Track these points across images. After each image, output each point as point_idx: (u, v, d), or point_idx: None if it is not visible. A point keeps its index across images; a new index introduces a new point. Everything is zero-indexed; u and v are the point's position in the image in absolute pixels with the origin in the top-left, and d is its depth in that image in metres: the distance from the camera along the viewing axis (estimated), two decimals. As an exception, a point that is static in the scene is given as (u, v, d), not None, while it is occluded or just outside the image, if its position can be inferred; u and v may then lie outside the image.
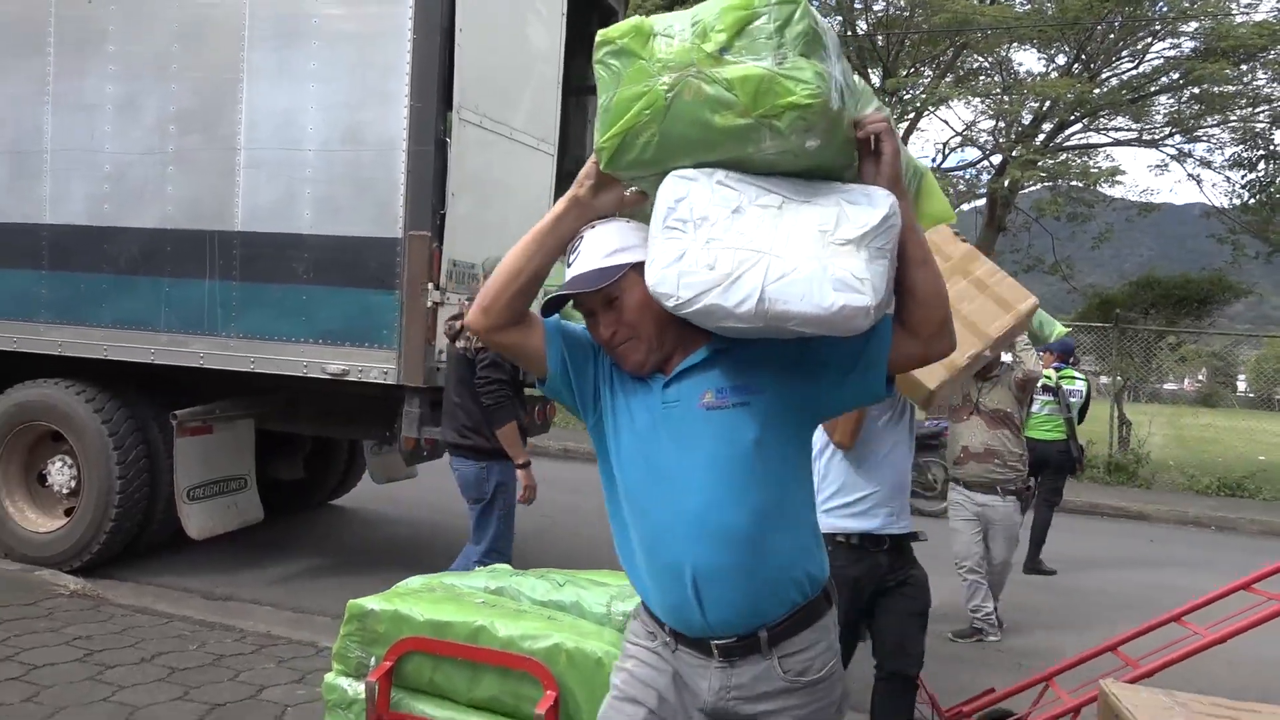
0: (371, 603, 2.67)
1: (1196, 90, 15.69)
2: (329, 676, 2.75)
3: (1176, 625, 3.65)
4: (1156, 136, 17.15)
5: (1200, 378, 24.47)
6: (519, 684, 2.51)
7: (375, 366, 5.21)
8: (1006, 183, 16.92)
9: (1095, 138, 18.26)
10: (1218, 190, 34.56)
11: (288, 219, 5.29)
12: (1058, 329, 4.92)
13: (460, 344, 4.84)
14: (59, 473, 5.83)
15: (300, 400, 5.99)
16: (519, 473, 4.85)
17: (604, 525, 2.02)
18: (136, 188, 5.58)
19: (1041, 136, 17.53)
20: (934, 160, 19.29)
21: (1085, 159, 17.74)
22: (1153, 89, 16.77)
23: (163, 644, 4.60)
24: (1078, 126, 17.94)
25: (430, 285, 5.07)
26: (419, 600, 2.71)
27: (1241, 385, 31.89)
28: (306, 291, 5.26)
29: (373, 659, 2.63)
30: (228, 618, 5.12)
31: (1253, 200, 15.67)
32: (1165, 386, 22.17)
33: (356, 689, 2.66)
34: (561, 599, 2.99)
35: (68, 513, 5.81)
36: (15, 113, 5.83)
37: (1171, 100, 16.73)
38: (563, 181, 6.26)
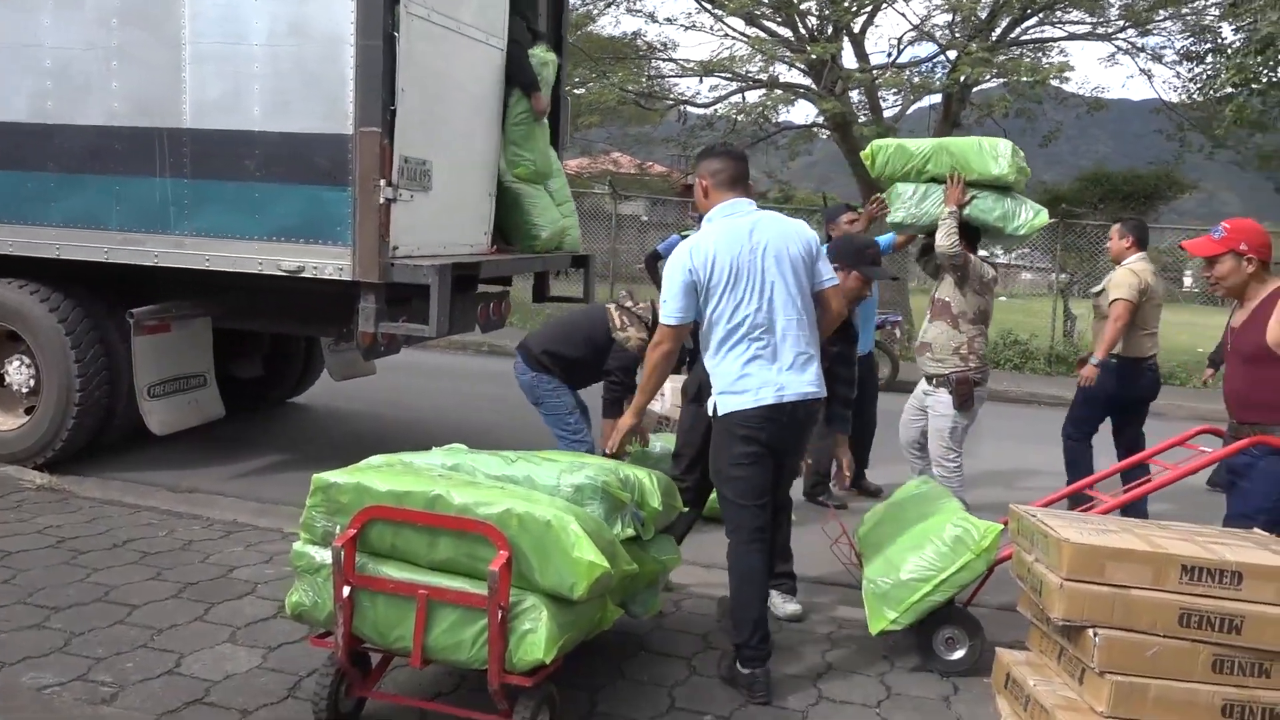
0: (335, 476, 2.86)
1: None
2: (297, 545, 2.95)
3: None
4: (1110, 30, 17.18)
5: (1149, 275, 24.94)
6: (474, 546, 2.73)
7: (330, 263, 5.30)
8: (961, 79, 16.92)
9: (1050, 31, 18.22)
10: (1168, 86, 34.50)
11: (237, 115, 5.28)
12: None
13: (623, 334, 4.99)
14: (17, 372, 5.89)
15: (257, 298, 6.07)
16: (604, 422, 4.77)
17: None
18: (80, 84, 5.52)
19: (998, 31, 17.46)
20: (889, 55, 19.14)
21: (1038, 55, 17.74)
22: (1107, -21, 16.73)
23: (133, 531, 4.79)
24: (1034, 20, 17.88)
25: (382, 182, 5.13)
26: (380, 473, 2.90)
27: (1188, 281, 32.62)
28: (259, 188, 5.30)
29: (338, 527, 2.83)
30: (194, 507, 5.31)
31: (1200, 96, 15.86)
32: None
33: (323, 555, 2.86)
34: (513, 474, 3.21)
35: (28, 411, 5.90)
36: (-52, 6, 5.69)
37: (1126, -9, 16.70)
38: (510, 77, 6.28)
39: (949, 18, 18.16)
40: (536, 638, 2.66)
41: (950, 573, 3.43)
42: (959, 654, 3.61)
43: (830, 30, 17.43)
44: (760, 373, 3.42)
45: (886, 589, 3.52)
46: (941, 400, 5.01)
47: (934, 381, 5.05)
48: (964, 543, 3.44)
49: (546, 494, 3.08)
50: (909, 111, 19.38)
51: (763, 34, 18.13)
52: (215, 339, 6.28)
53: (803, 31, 17.80)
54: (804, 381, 3.47)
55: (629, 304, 5.19)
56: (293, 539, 4.89)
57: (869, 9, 17.63)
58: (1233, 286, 3.57)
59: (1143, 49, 17.49)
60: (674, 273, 3.48)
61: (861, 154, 5.45)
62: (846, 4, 16.28)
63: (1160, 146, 19.99)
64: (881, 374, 10.20)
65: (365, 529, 2.80)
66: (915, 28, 18.98)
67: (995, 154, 4.91)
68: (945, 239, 4.77)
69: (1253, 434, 3.54)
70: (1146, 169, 22.93)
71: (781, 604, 4.07)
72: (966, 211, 4.84)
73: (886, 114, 18.54)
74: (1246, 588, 2.81)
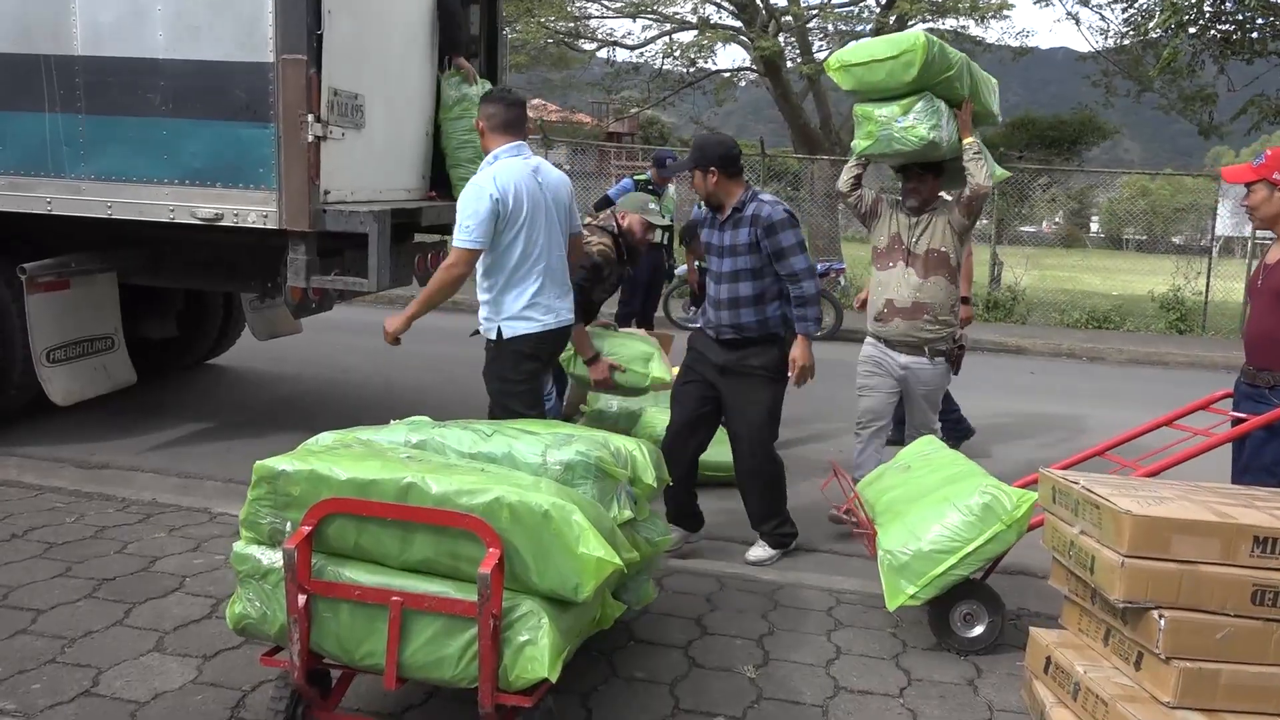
0: (282, 463, 2.37)
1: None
2: (238, 546, 2.46)
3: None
4: (1043, -28, 17.03)
5: (1058, 220, 25.31)
6: (456, 543, 2.28)
7: (253, 210, 4.71)
8: (893, 19, 16.61)
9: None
10: (1093, 30, 34.97)
11: (137, 41, 4.62)
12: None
13: (587, 244, 4.68)
14: (-109, 337, 5.18)
15: (169, 250, 5.43)
16: (589, 367, 4.76)
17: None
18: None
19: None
20: (823, -5, 18.72)
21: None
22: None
23: (35, 518, 4.21)
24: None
25: (310, 117, 4.55)
26: (337, 458, 2.41)
27: (1094, 227, 33.40)
28: (167, 125, 4.66)
29: (288, 524, 2.36)
30: (106, 486, 4.73)
31: (1129, 40, 15.82)
32: (1024, 229, 22.86)
33: (272, 558, 2.39)
34: (491, 450, 2.76)
35: (-94, 381, 5.21)
36: None
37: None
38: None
39: (883, -44, 17.80)
40: (537, 650, 2.23)
41: (979, 544, 3.10)
42: (978, 630, 3.30)
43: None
44: (544, 301, 3.87)
45: (905, 560, 3.17)
46: (938, 369, 4.40)
47: (927, 350, 4.35)
48: (994, 511, 3.11)
49: (530, 473, 2.64)
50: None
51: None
52: (123, 296, 5.63)
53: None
54: (567, 309, 4.01)
55: (589, 220, 5.10)
56: (223, 520, 4.47)
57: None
58: (1266, 217, 3.28)
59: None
60: (480, 200, 3.68)
61: (846, 63, 4.24)
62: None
63: (1069, 95, 20.07)
64: (826, 322, 10.06)
65: (323, 525, 2.32)
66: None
67: (993, 89, 4.55)
68: (983, 173, 4.18)
69: (1271, 379, 3.28)
70: (1070, 115, 23.13)
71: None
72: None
73: (818, 56, 18.17)
74: (1323, 559, 2.53)
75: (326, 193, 4.71)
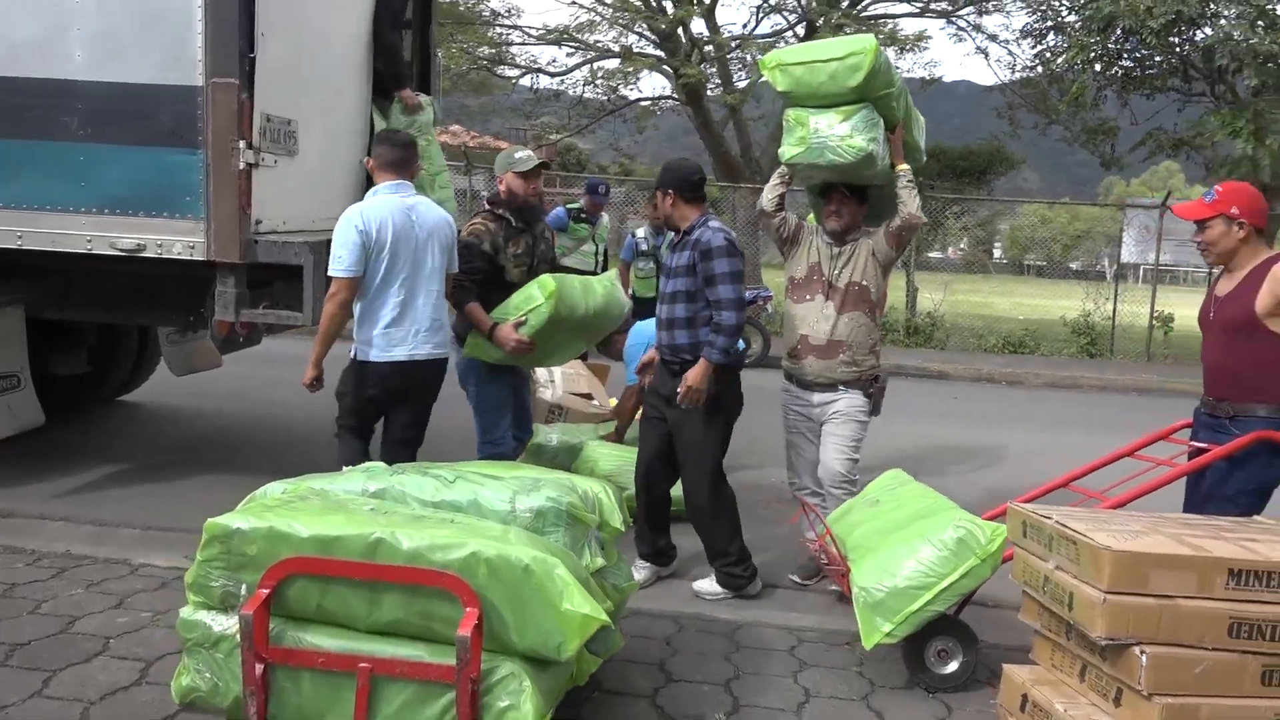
0: (237, 520, 2.19)
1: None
2: (185, 612, 2.26)
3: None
4: (955, 7, 17.60)
5: (962, 246, 26.07)
6: (429, 602, 2.14)
7: (178, 240, 4.46)
8: (812, 50, 16.97)
9: (896, 7, 18.55)
10: (1001, 65, 36.45)
11: (51, 60, 4.35)
12: None
13: (465, 233, 4.48)
14: None
15: (84, 282, 5.12)
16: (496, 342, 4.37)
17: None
18: None
19: (846, 3, 17.58)
20: (745, 26, 19.05)
21: (892, 25, 18.01)
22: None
23: (-65, 576, 3.88)
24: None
25: (242, 144, 4.34)
26: (295, 513, 2.24)
27: (997, 253, 34.56)
28: (84, 150, 4.39)
29: (243, 587, 2.17)
30: (14, 538, 4.40)
31: (1038, 72, 16.42)
32: (932, 255, 23.50)
33: (224, 624, 2.20)
34: (455, 498, 2.61)
35: None
36: None
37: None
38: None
39: (802, -10, 18.17)
40: (519, 715, 2.10)
41: (954, 579, 3.07)
42: (952, 667, 3.26)
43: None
44: (397, 334, 3.98)
45: (881, 597, 3.11)
46: (855, 406, 4.09)
47: (841, 388, 4.08)
48: (968, 546, 3.08)
49: (498, 521, 2.51)
50: (760, 80, 19.40)
51: (609, 2, 17.64)
52: (31, 331, 5.28)
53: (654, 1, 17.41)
54: (431, 346, 4.06)
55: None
56: (145, 573, 4.18)
57: (723, -21, 17.41)
58: (1222, 252, 3.35)
59: (980, 28, 18.04)
60: (347, 232, 3.87)
61: (783, 62, 3.98)
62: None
63: (970, 127, 20.81)
64: (753, 350, 10.09)
65: (282, 587, 2.15)
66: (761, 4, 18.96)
67: (922, 128, 4.40)
68: (915, 203, 3.97)
69: (1229, 410, 3.35)
70: (979, 145, 23.90)
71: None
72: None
73: (740, 86, 18.43)
74: (1294, 590, 2.56)
75: (258, 222, 4.49)
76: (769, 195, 4.26)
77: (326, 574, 2.13)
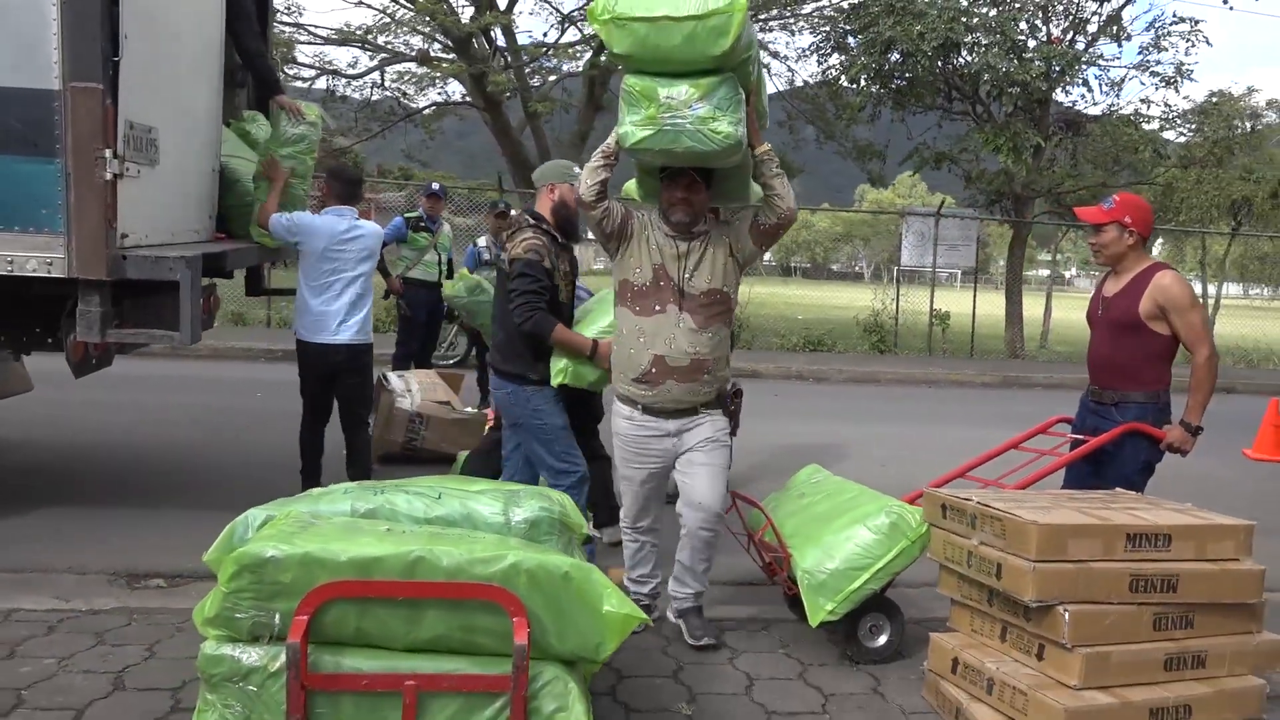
0: (269, 548, 2.11)
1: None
2: (207, 648, 2.15)
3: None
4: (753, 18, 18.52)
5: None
6: (471, 616, 2.17)
7: (33, 256, 4.10)
8: (603, 59, 17.33)
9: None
10: (780, 79, 38.64)
11: (-121, 58, 3.89)
12: None
13: (513, 247, 4.10)
14: None
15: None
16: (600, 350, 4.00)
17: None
18: None
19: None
20: (545, 35, 19.18)
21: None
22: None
23: None
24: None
25: (107, 153, 4.04)
26: (326, 538, 2.20)
27: (766, 256, 36.57)
28: (-78, 158, 3.95)
29: (276, 616, 2.11)
30: None
31: (822, 86, 17.59)
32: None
33: (254, 656, 2.12)
34: (447, 513, 2.63)
35: None
36: None
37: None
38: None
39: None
40: (571, 716, 2.17)
41: (888, 560, 3.37)
42: (882, 640, 3.57)
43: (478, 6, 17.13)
44: (325, 319, 4.93)
45: (824, 579, 3.37)
46: (720, 429, 3.65)
47: (703, 410, 3.60)
48: (899, 529, 3.39)
49: (495, 533, 2.55)
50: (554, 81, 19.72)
51: (400, 3, 17.36)
52: None
53: (450, 3, 17.26)
54: (351, 331, 5.00)
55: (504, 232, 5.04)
56: (23, 617, 3.77)
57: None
58: (1113, 255, 3.82)
59: (764, 45, 19.12)
60: (277, 229, 4.99)
61: (621, 15, 3.07)
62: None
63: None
64: (456, 351, 10.71)
65: (318, 613, 2.11)
66: (558, 11, 19.20)
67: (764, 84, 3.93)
68: (790, 195, 3.37)
69: (1113, 397, 3.80)
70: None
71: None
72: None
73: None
74: (1174, 548, 3.03)
75: (124, 236, 4.20)
76: (590, 183, 3.49)
77: (369, 595, 2.11)
